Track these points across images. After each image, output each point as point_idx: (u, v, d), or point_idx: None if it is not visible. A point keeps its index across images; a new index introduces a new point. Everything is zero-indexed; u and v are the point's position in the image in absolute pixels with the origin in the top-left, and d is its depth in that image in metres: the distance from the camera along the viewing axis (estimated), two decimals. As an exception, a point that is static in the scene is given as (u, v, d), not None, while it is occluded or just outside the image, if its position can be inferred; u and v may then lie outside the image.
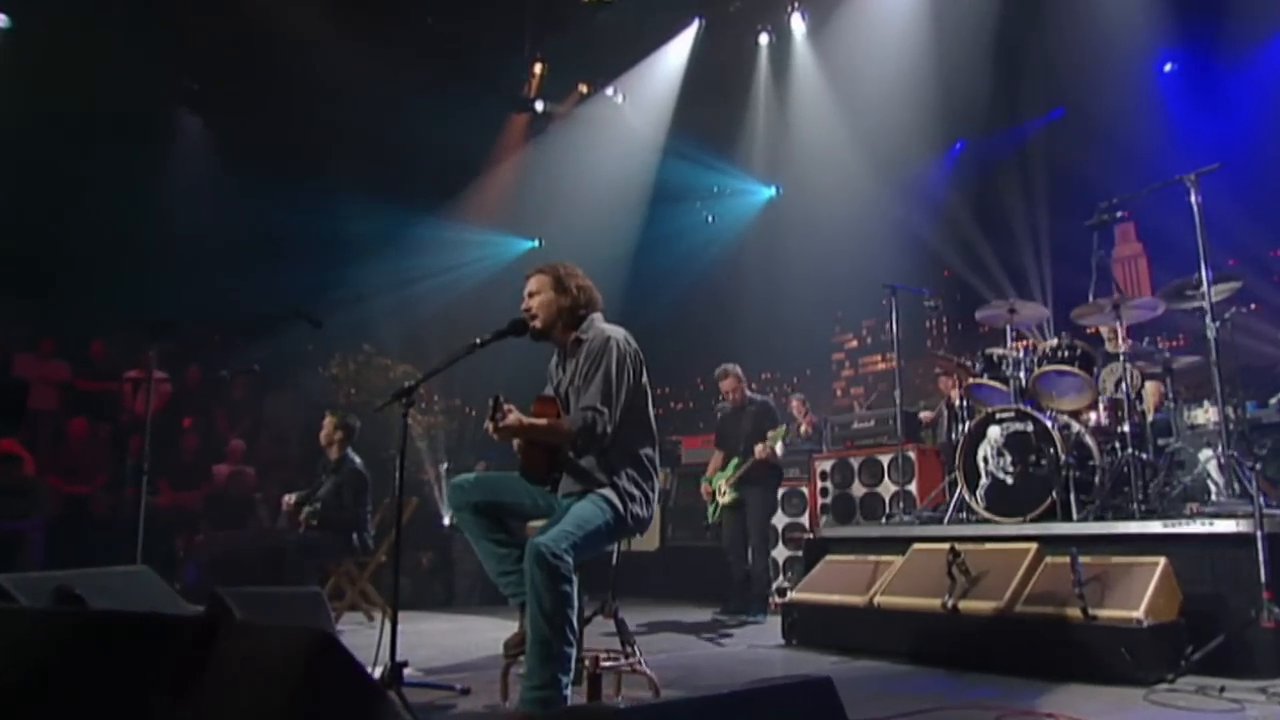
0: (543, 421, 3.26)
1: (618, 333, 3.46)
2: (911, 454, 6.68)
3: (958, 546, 4.58)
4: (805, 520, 7.37)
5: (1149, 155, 7.30)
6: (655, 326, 11.97)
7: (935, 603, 4.48)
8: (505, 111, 11.47)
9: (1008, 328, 5.74)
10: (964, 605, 4.40)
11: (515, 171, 11.83)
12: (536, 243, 12.56)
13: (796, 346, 11.12)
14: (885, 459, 6.90)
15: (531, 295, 3.52)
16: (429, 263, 11.13)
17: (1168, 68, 8.17)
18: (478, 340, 3.38)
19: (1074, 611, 3.97)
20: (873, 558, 5.22)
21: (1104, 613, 3.91)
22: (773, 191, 11.75)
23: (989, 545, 4.76)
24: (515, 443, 3.37)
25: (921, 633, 4.51)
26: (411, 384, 3.43)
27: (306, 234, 9.90)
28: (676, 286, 11.28)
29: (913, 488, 6.60)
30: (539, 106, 11.30)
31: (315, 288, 9.17)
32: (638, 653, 3.67)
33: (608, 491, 3.26)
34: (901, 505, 6.13)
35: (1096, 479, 5.03)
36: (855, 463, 7.06)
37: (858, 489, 7.01)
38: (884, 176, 9.88)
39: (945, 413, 7.62)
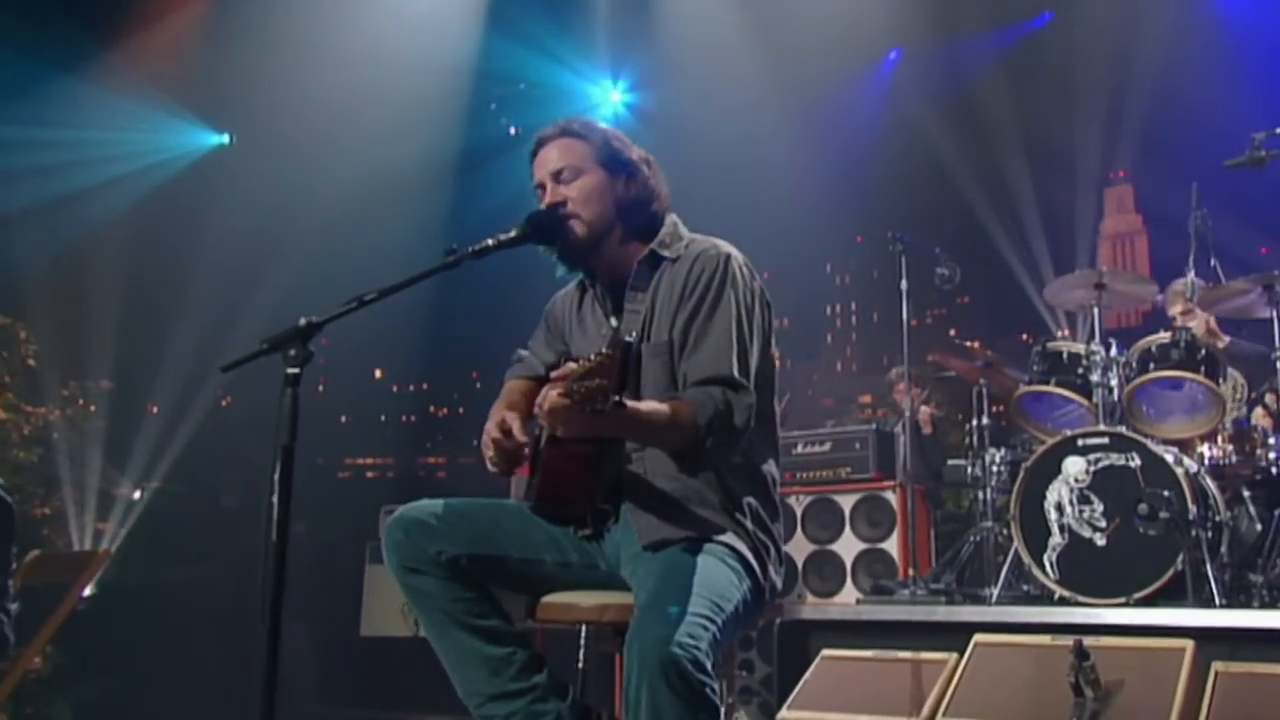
0: (660, 407, 2.32)
1: (735, 253, 2.63)
2: (890, 494, 6.13)
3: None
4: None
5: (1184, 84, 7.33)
6: (449, 303, 10.92)
7: (1050, 732, 4.03)
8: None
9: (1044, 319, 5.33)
10: (1100, 737, 3.97)
11: (203, 20, 10.17)
12: (227, 138, 11.09)
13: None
14: (847, 501, 6.29)
15: (560, 177, 2.61)
16: (58, 151, 9.18)
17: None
18: (490, 242, 2.48)
19: (1304, 755, 3.56)
20: (905, 654, 4.73)
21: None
22: (616, 97, 10.94)
23: (1108, 641, 4.32)
24: (490, 448, 2.46)
25: (1027, 780, 4.10)
26: (314, 320, 2.23)
27: None
28: (465, 235, 10.21)
29: (892, 544, 6.03)
30: None
31: None
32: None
33: (734, 540, 2.42)
34: (912, 572, 5.50)
35: (1224, 543, 4.75)
36: (798, 506, 6.41)
37: (800, 544, 6.36)
38: (785, 92, 9.59)
39: (904, 437, 7.19)
